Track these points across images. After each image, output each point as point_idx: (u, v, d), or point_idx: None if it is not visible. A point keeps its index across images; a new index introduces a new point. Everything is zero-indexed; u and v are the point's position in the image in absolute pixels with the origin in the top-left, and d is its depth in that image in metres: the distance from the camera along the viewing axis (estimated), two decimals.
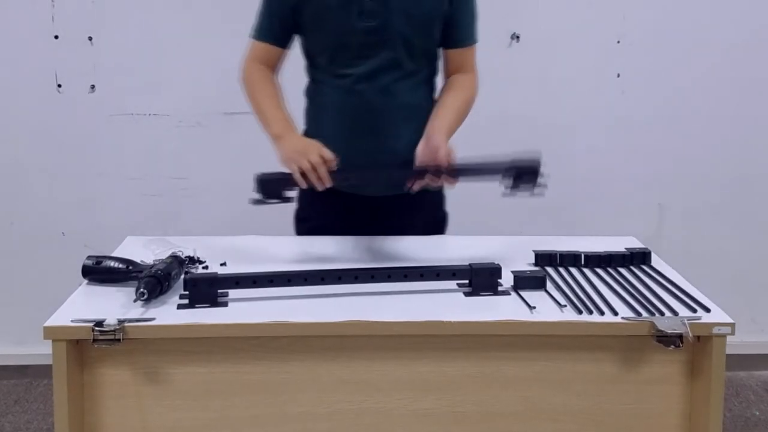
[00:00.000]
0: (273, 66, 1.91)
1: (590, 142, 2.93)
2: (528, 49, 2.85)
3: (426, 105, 1.90)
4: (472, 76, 1.95)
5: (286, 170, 1.70)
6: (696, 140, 2.95)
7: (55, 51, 2.76)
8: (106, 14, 2.75)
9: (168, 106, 2.82)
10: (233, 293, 1.49)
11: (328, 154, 1.69)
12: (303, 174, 1.66)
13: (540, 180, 1.64)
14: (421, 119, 1.85)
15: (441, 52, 1.92)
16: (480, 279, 1.53)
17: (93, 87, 2.80)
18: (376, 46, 1.82)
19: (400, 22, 1.80)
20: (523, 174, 1.62)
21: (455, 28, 1.88)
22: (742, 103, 2.94)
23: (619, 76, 2.90)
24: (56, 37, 2.75)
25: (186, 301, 1.46)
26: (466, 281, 1.55)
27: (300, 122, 1.94)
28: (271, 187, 1.67)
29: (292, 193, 1.73)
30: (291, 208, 2.00)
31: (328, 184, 1.68)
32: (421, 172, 1.69)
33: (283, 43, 1.89)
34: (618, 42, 2.87)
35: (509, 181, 1.63)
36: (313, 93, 1.94)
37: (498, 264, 1.56)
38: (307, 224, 2.00)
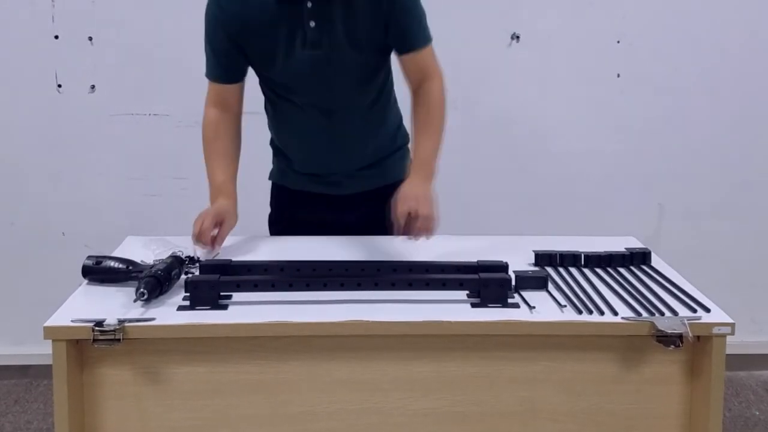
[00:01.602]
0: (232, 104, 1.87)
1: (590, 142, 2.92)
2: (528, 49, 2.85)
3: (384, 112, 1.92)
4: (436, 82, 1.83)
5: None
6: (696, 140, 2.95)
7: (55, 51, 2.76)
8: (106, 14, 2.75)
9: (168, 106, 2.82)
10: (234, 297, 1.49)
11: (223, 220, 1.73)
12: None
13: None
14: (382, 125, 1.92)
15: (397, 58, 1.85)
16: (489, 291, 1.48)
17: (93, 87, 2.80)
18: (325, 74, 1.78)
19: (345, 48, 1.75)
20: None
21: (403, 35, 1.78)
22: (742, 103, 2.94)
23: (619, 76, 2.90)
24: (56, 37, 2.75)
25: (187, 303, 1.45)
26: (475, 291, 1.50)
27: None
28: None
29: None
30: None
31: (213, 248, 1.70)
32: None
33: (235, 78, 1.84)
34: (618, 42, 2.87)
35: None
36: (271, 110, 1.93)
37: (508, 276, 1.53)
38: (279, 226, 2.03)
